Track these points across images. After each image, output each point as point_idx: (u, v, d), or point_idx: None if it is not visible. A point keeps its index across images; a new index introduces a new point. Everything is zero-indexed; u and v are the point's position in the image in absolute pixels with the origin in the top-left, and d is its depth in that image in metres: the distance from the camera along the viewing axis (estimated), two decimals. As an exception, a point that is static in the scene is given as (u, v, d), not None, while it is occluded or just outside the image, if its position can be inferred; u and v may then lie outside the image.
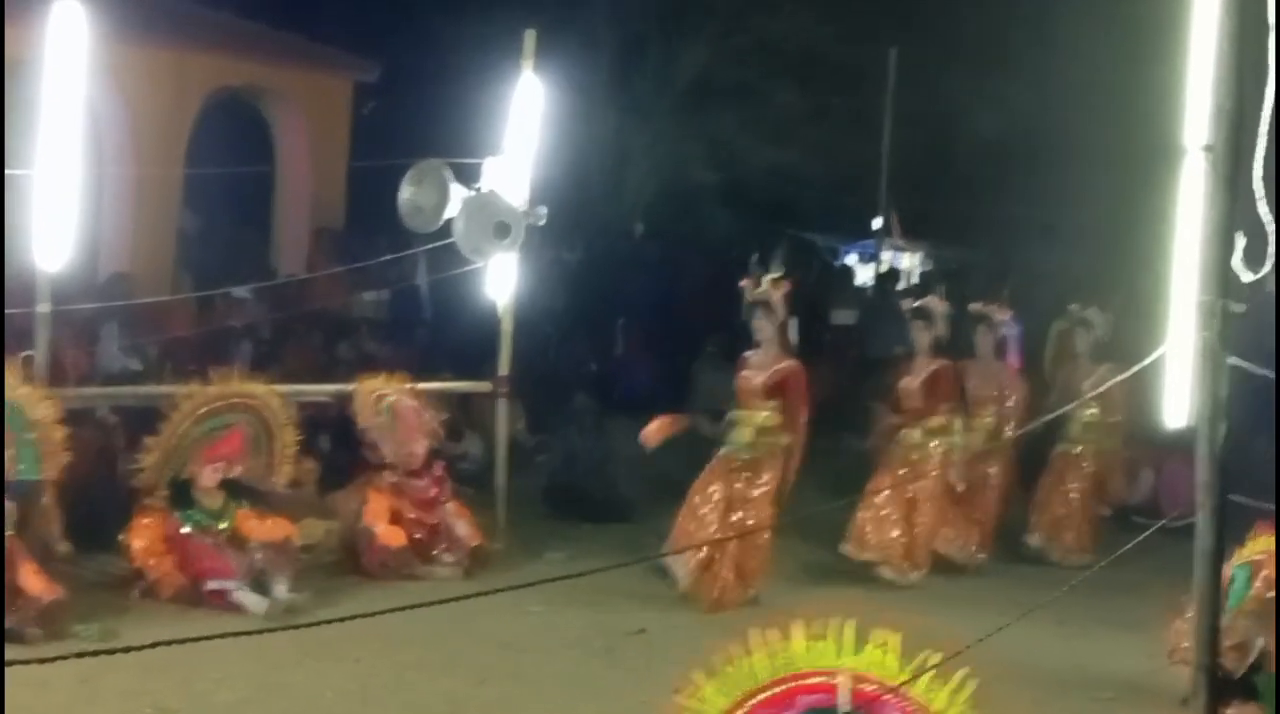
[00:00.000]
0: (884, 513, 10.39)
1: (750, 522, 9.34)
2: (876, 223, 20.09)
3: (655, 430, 9.66)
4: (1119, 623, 9.63)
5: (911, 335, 10.78)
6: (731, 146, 21.13)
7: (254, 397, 9.53)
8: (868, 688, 4.34)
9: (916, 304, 10.95)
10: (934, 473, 10.55)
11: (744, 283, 9.60)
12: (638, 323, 16.35)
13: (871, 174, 19.19)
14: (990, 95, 20.52)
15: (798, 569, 10.37)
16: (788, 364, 9.56)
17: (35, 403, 8.35)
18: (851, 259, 24.02)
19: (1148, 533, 5.98)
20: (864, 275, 21.79)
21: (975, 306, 11.80)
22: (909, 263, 23.51)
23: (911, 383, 10.65)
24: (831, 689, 4.35)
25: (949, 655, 4.43)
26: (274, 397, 9.62)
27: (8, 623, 7.75)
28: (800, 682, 4.41)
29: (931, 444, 10.61)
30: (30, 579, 7.94)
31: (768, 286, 9.49)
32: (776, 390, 9.48)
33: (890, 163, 18.76)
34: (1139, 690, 8.03)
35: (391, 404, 10.17)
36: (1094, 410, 11.53)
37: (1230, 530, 4.27)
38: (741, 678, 4.46)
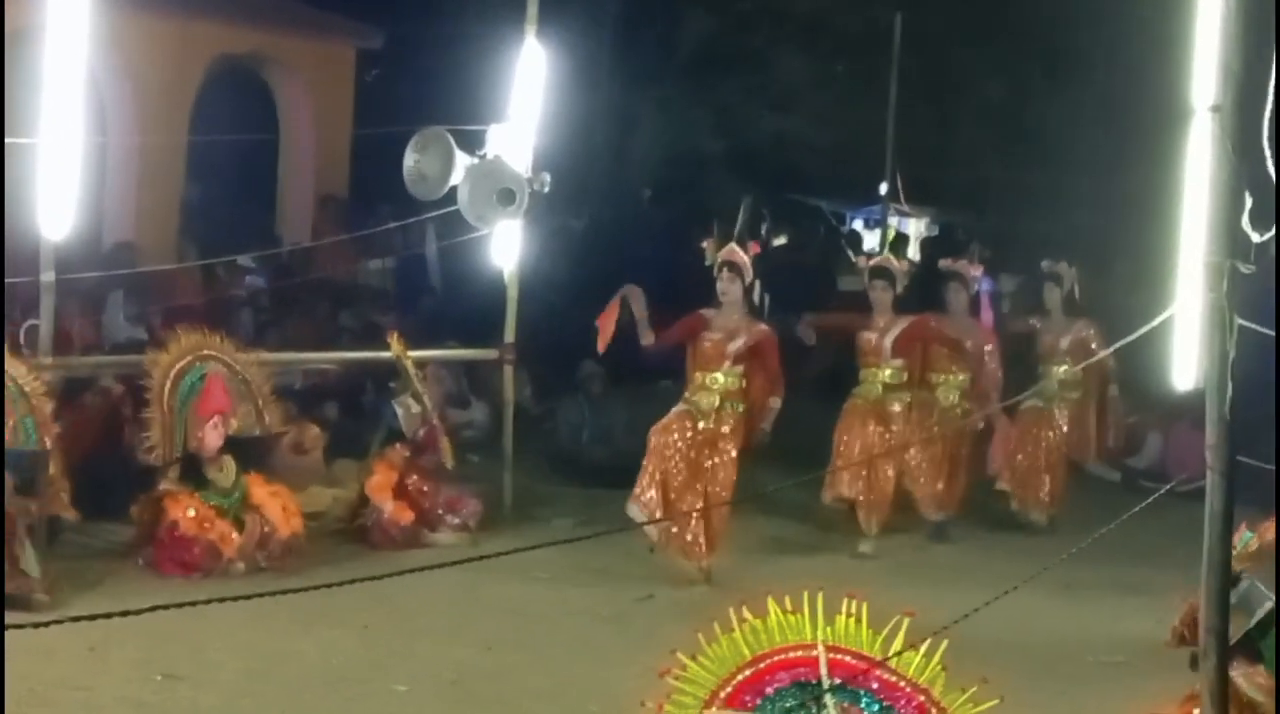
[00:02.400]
0: (857, 459, 10.29)
1: (716, 489, 9.14)
2: (883, 188, 20.03)
3: (604, 327, 9.44)
4: (1127, 587, 9.64)
5: (870, 295, 10.55)
6: (737, 113, 21.09)
7: (213, 346, 9.48)
8: (845, 659, 4.40)
9: (873, 263, 10.75)
10: (890, 433, 10.40)
11: (706, 244, 9.45)
12: (644, 289, 16.28)
13: (878, 140, 19.08)
14: (996, 59, 20.45)
15: (768, 541, 10.33)
16: (760, 328, 9.35)
17: (25, 375, 8.32)
18: (858, 225, 23.96)
19: (1155, 496, 5.96)
20: (871, 241, 21.73)
21: (946, 263, 11.75)
22: (915, 228, 23.46)
23: (878, 341, 10.42)
24: (812, 663, 4.39)
25: (949, 624, 4.46)
26: (230, 345, 9.61)
27: (11, 589, 7.77)
28: (781, 656, 4.46)
29: (897, 399, 10.49)
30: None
31: (734, 247, 9.28)
32: (749, 355, 9.27)
33: (896, 128, 18.67)
34: (1149, 653, 7.99)
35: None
36: (1066, 366, 11.49)
37: (1239, 493, 4.25)
38: (724, 656, 4.51)
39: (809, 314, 10.90)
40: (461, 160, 9.80)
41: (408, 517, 9.82)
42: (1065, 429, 11.59)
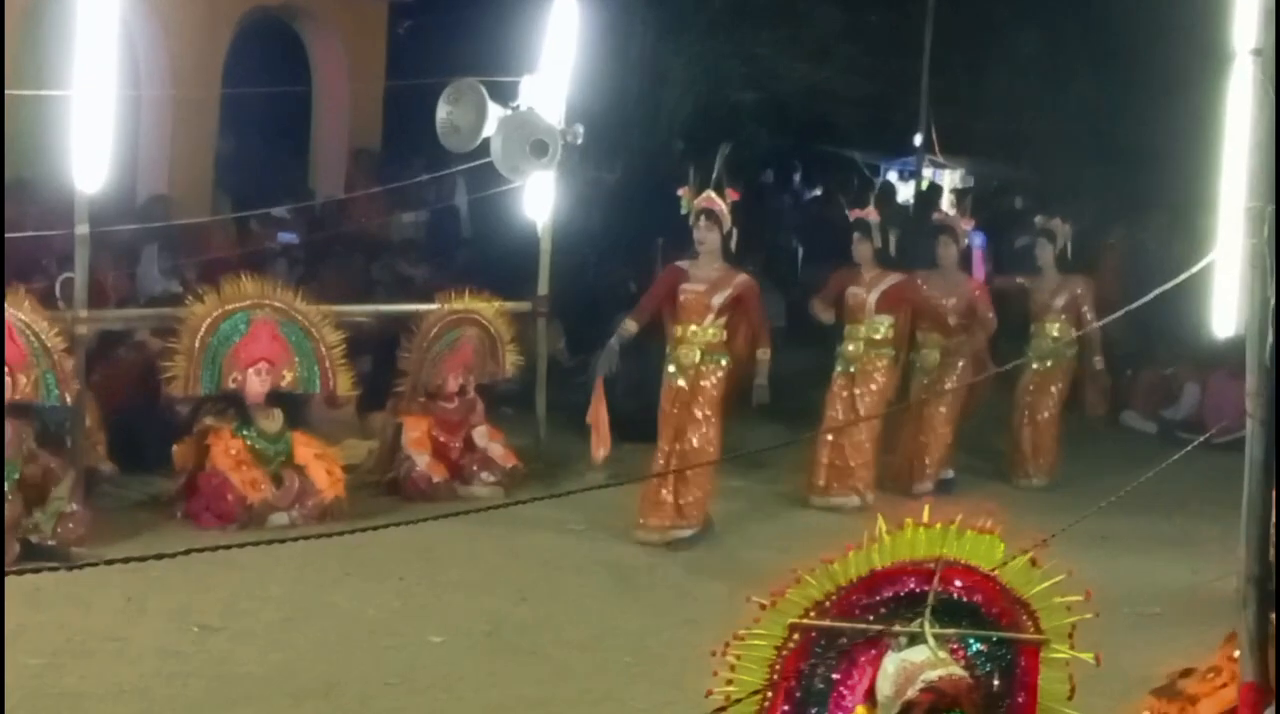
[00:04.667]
0: (841, 453, 10.13)
1: (696, 447, 8.93)
2: (917, 140, 19.91)
3: (597, 427, 9.26)
4: (1164, 538, 9.61)
5: (853, 247, 10.35)
6: (770, 64, 20.93)
7: (274, 297, 9.41)
8: (957, 581, 4.20)
9: (855, 216, 10.47)
10: (876, 388, 10.25)
11: (682, 191, 9.13)
12: (676, 242, 16.24)
13: (911, 90, 18.99)
14: (1031, 8, 20.26)
15: (770, 497, 10.27)
16: (743, 278, 9.09)
17: (47, 330, 8.33)
18: (892, 176, 23.84)
19: (1190, 446, 5.93)
20: (905, 192, 21.62)
21: (938, 216, 11.62)
22: (950, 180, 23.33)
23: (863, 295, 10.27)
24: (921, 573, 4.19)
25: (1038, 543, 4.37)
26: (299, 301, 9.53)
27: (48, 540, 7.82)
28: (899, 568, 4.22)
29: (880, 357, 10.30)
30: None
31: (711, 194, 9.03)
32: (732, 306, 9.03)
33: (930, 79, 18.55)
34: (1186, 605, 8.00)
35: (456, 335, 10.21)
36: (1059, 324, 11.38)
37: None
38: (830, 577, 4.24)
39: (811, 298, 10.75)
40: (494, 112, 9.78)
41: (441, 470, 9.84)
42: (1061, 386, 11.43)
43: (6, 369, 7.97)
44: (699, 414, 9.00)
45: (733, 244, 9.07)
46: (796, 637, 4.19)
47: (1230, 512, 4.35)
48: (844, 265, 10.51)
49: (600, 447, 9.24)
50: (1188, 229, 11.65)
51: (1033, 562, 4.30)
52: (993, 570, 4.24)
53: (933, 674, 3.98)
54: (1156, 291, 4.72)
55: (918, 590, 4.19)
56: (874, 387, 10.27)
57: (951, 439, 10.89)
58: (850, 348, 10.31)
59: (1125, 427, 13.78)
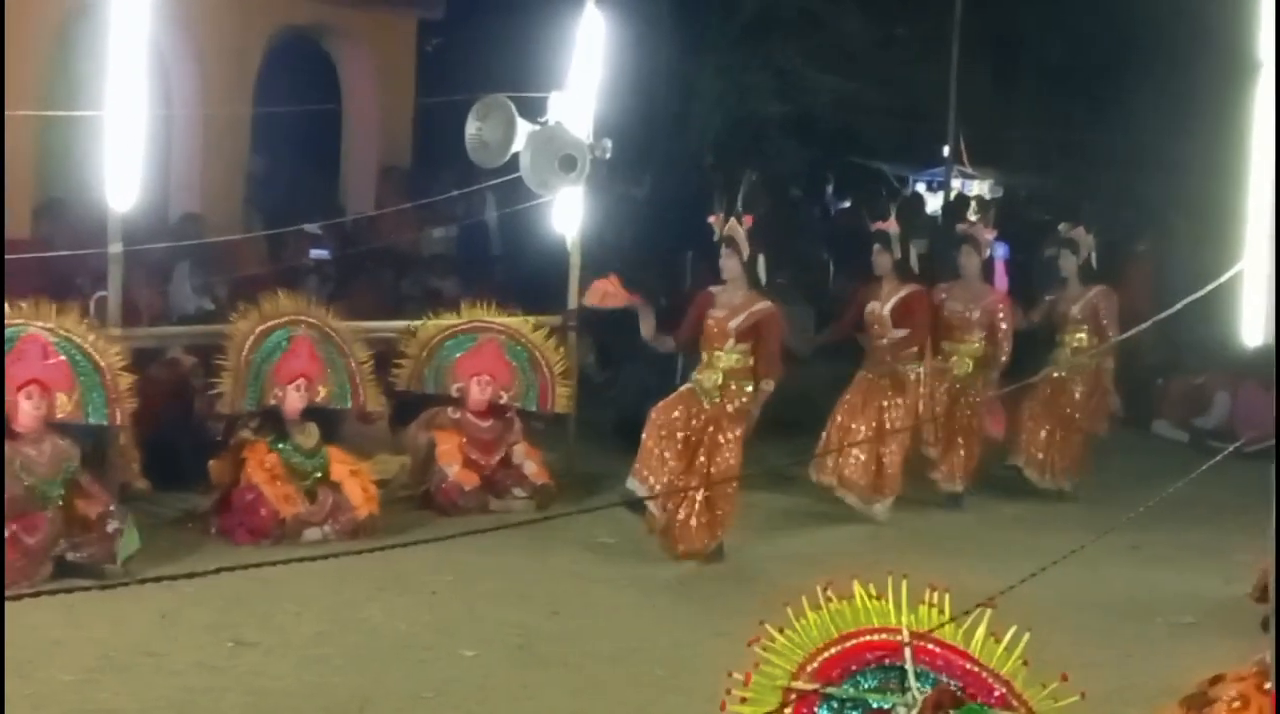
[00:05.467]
0: (852, 437, 10.14)
1: (719, 469, 8.87)
2: (945, 150, 19.92)
3: (599, 293, 9.27)
4: (1196, 547, 9.58)
5: (872, 259, 10.36)
6: (797, 77, 20.98)
7: (309, 313, 9.58)
8: (929, 646, 4.44)
9: (875, 228, 10.50)
10: (903, 401, 10.25)
11: (713, 219, 9.13)
12: (706, 256, 16.26)
13: (939, 101, 18.98)
14: (1058, 19, 20.26)
15: (782, 515, 10.21)
16: (763, 306, 9.05)
17: (104, 348, 8.40)
18: (921, 188, 23.84)
19: (1221, 455, 5.92)
20: (933, 203, 21.62)
21: (962, 226, 11.57)
22: (978, 190, 23.32)
23: (879, 309, 10.27)
24: (896, 646, 4.44)
25: (1010, 587, 4.49)
26: (332, 318, 9.68)
27: (82, 557, 7.87)
28: (868, 637, 4.52)
29: (909, 369, 10.31)
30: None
31: (732, 222, 9.02)
32: (751, 333, 9.01)
33: (958, 90, 18.55)
34: (1218, 615, 7.97)
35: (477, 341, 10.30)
36: (1081, 335, 11.33)
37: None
38: (811, 632, 4.57)
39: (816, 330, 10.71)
40: (523, 127, 9.82)
41: (473, 481, 9.88)
42: (1079, 396, 11.33)
43: (43, 388, 8.03)
44: (721, 438, 8.97)
45: (760, 269, 9.08)
46: (794, 696, 4.45)
47: (1265, 520, 4.35)
48: (869, 279, 10.54)
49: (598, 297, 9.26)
50: (1216, 238, 11.62)
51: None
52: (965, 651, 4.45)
53: None
54: (1183, 302, 4.72)
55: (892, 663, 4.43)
56: (902, 400, 10.26)
57: (970, 452, 10.84)
58: (875, 361, 10.32)
59: (1156, 435, 13.74)
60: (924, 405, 10.42)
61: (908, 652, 4.39)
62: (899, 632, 4.46)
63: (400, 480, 10.16)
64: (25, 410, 7.95)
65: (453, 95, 11.27)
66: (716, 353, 9.03)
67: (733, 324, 9.01)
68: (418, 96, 16.63)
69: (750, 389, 9.02)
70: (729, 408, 8.97)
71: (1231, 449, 7.16)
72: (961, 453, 10.82)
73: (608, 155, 10.29)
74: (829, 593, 4.60)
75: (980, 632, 4.48)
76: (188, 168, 14.24)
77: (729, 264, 9.09)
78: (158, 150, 11.01)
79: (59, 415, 8.11)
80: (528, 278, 13.45)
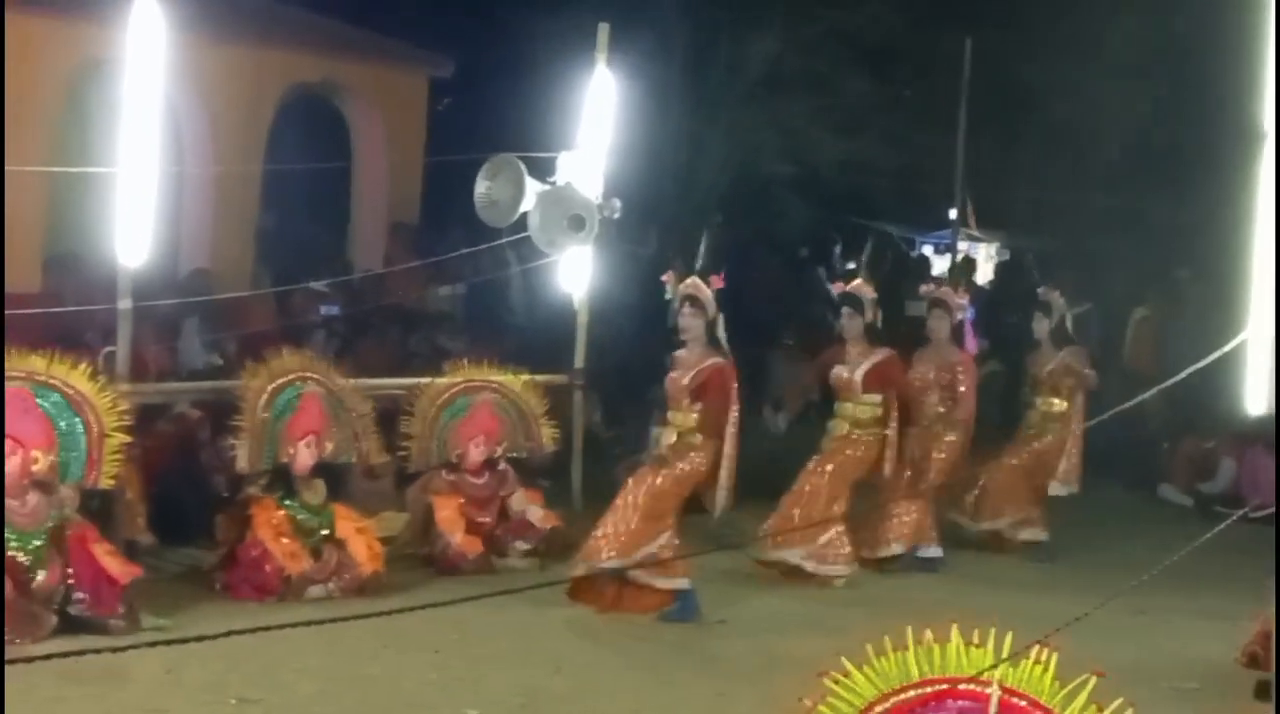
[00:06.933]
0: (806, 506, 10.02)
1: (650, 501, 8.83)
2: (952, 213, 19.97)
3: None
4: (1201, 612, 9.55)
5: (840, 322, 10.38)
6: (805, 137, 21.02)
7: (315, 369, 9.64)
8: (1017, 702, 4.30)
9: (844, 290, 10.50)
10: (847, 457, 10.14)
11: (666, 278, 9.18)
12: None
13: (946, 163, 19.02)
14: (1065, 82, 20.34)
15: (773, 574, 10.09)
16: (711, 363, 9.00)
17: (102, 406, 8.33)
18: (927, 250, 23.88)
19: (1228, 521, 5.93)
20: (940, 266, 21.65)
21: (927, 289, 11.61)
22: (986, 252, 23.36)
23: (847, 374, 10.21)
24: (982, 698, 4.31)
25: (1043, 635, 4.36)
26: (335, 372, 9.74)
27: (90, 612, 7.85)
28: (952, 685, 4.36)
29: (869, 435, 10.19)
30: (107, 561, 8.00)
31: (696, 281, 9.06)
32: (700, 392, 8.98)
33: (965, 152, 18.60)
34: (1223, 680, 7.95)
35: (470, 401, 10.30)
36: (1054, 399, 11.35)
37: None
38: (892, 671, 4.42)
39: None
40: (532, 187, 9.87)
41: (476, 547, 9.87)
42: (1045, 454, 11.35)
43: (19, 445, 7.92)
44: (661, 485, 8.92)
45: (719, 330, 9.06)
46: None
47: (1269, 585, 4.35)
48: (832, 342, 10.53)
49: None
50: (1221, 303, 11.65)
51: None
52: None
53: None
54: (1186, 372, 4.74)
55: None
56: (856, 457, 10.16)
57: (922, 512, 10.70)
58: (838, 427, 10.23)
59: (1162, 500, 13.73)
60: (890, 468, 10.32)
61: (993, 699, 4.25)
62: (989, 683, 4.29)
63: (404, 539, 10.16)
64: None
65: (463, 154, 11.33)
66: (675, 413, 9.06)
67: (684, 382, 9.03)
68: (428, 155, 16.71)
69: (697, 443, 8.96)
70: (680, 466, 8.94)
71: (1238, 515, 7.16)
72: (918, 514, 10.68)
73: (617, 215, 10.34)
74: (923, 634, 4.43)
75: (1081, 698, 4.35)
76: (198, 224, 14.31)
77: (692, 323, 9.05)
78: (168, 206, 11.07)
79: (34, 474, 8.01)
80: (535, 336, 13.48)
